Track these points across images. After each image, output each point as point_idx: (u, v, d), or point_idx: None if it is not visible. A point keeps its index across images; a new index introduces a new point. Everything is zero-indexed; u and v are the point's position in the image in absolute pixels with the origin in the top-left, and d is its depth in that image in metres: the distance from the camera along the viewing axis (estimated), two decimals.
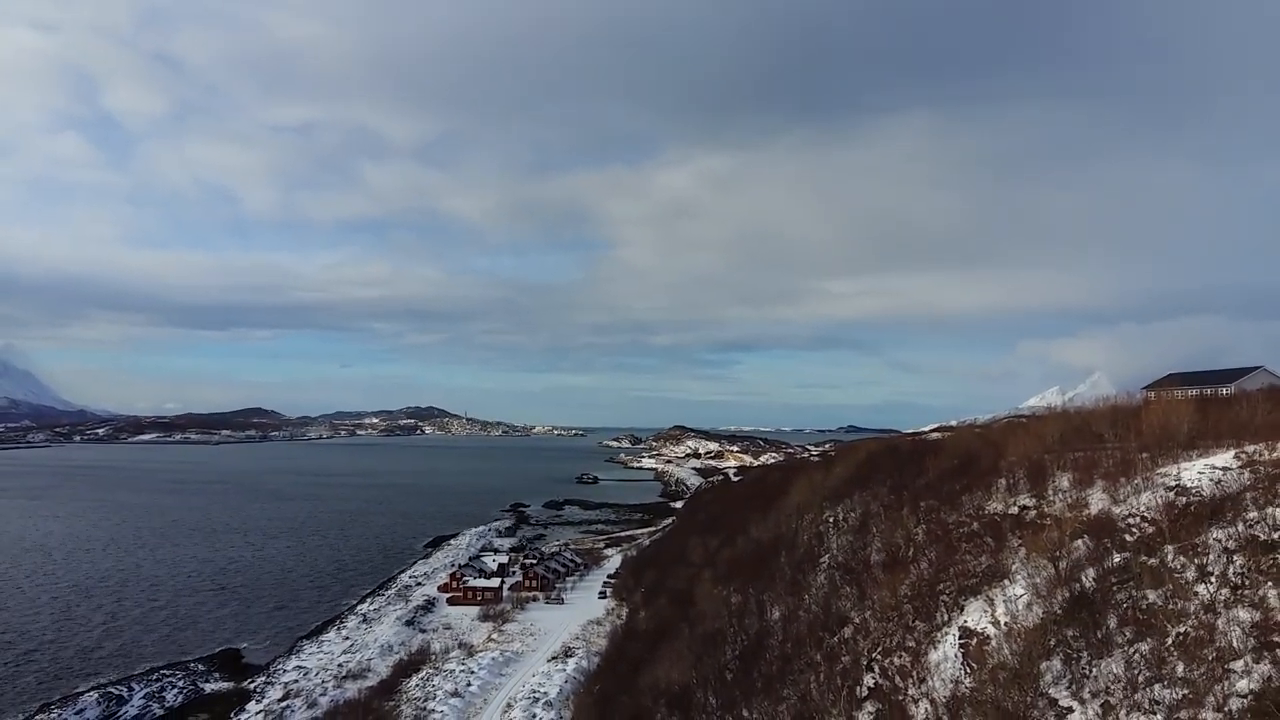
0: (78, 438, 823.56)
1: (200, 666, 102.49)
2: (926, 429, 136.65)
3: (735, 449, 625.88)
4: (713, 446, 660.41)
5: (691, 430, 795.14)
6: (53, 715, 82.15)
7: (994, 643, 28.86)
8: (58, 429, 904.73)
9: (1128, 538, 29.36)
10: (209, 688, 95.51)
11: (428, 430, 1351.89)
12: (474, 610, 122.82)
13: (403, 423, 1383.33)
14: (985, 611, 31.53)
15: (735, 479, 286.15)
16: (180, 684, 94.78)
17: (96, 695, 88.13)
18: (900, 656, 34.69)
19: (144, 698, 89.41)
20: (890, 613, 39.50)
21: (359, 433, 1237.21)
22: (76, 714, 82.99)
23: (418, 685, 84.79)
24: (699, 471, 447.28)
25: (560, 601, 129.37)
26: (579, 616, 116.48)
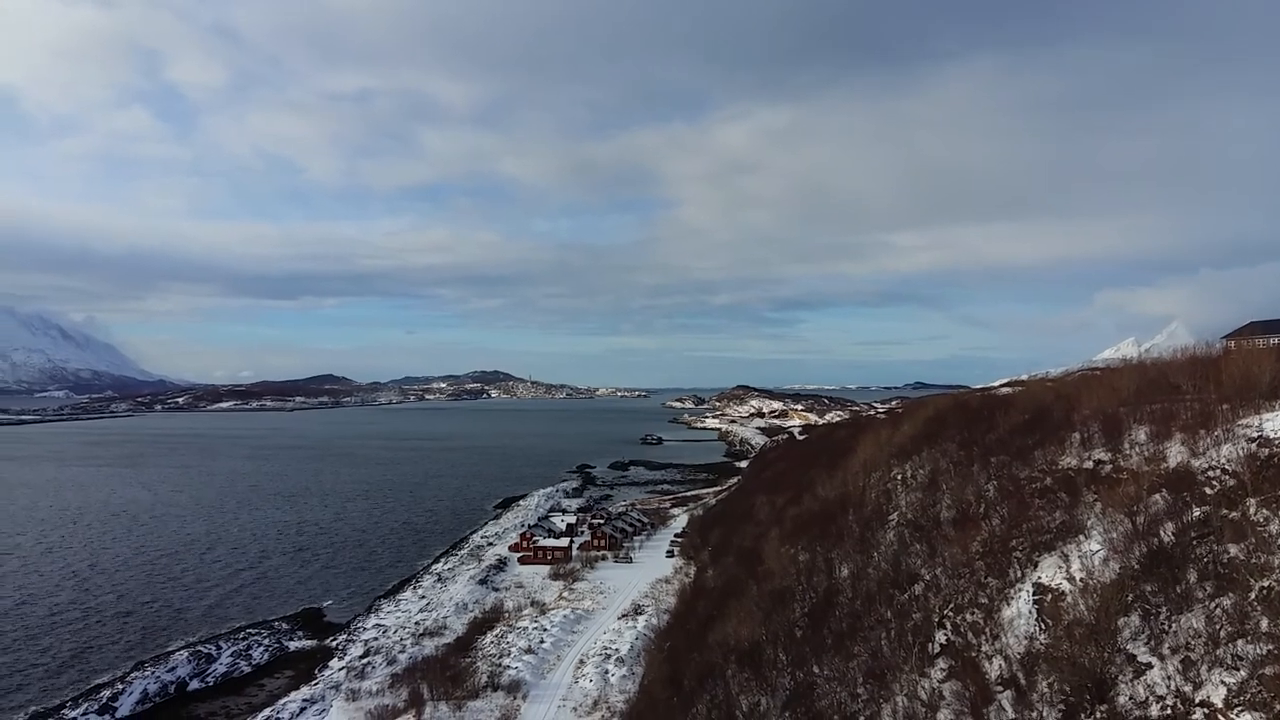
0: (159, 407, 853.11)
1: (284, 625, 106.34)
2: (996, 384, 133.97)
3: (799, 408, 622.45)
4: (776, 405, 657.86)
5: (755, 390, 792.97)
6: (147, 673, 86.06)
7: (1069, 599, 28.58)
8: (139, 399, 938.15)
9: (1208, 491, 28.66)
10: (293, 645, 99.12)
11: (493, 394, 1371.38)
12: (544, 569, 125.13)
13: (469, 387, 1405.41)
14: (1060, 567, 31.19)
15: (800, 438, 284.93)
16: (266, 642, 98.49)
17: (187, 653, 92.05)
18: (973, 613, 34.55)
19: (231, 655, 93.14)
20: (962, 569, 39.29)
21: (427, 397, 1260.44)
22: (169, 671, 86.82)
23: (492, 642, 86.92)
24: (763, 431, 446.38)
25: (628, 560, 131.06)
26: (647, 575, 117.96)
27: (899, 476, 70.03)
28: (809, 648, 48.21)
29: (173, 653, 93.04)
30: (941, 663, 33.76)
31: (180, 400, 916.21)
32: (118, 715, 78.08)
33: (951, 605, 36.74)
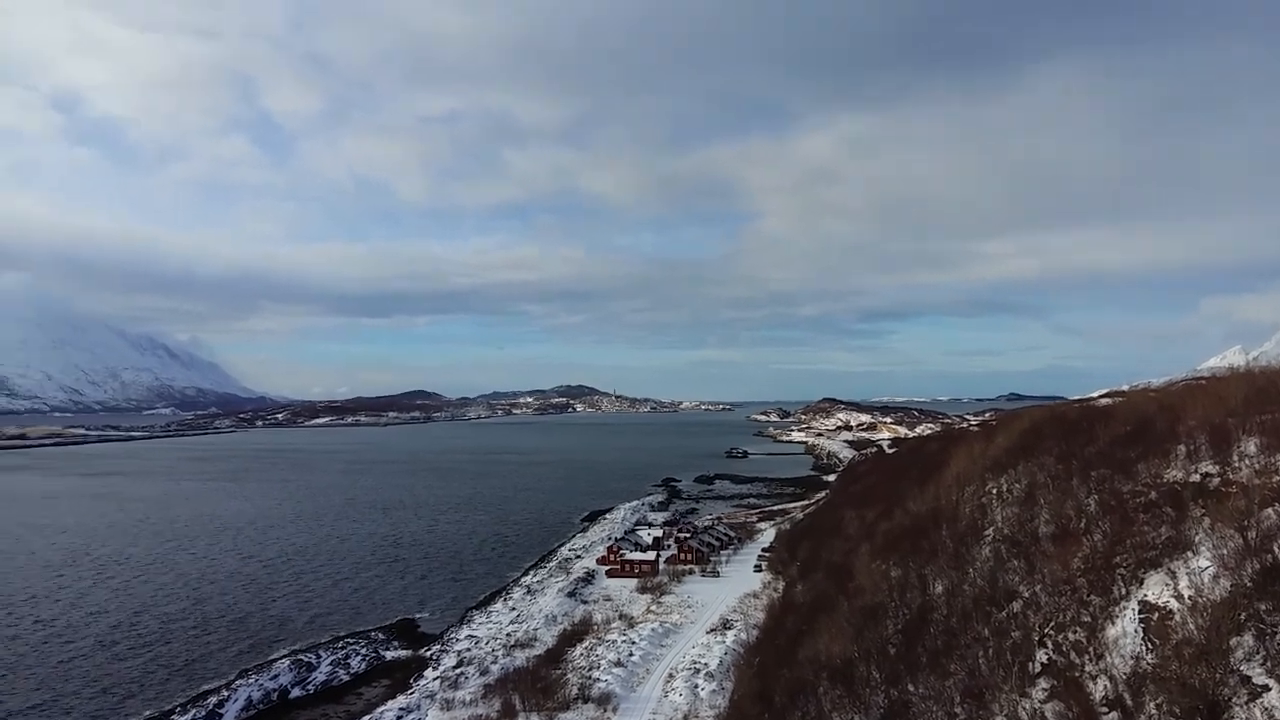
0: (259, 423, 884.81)
1: (380, 635, 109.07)
2: (1095, 394, 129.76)
3: (888, 420, 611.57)
4: (864, 418, 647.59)
5: (841, 402, 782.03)
6: (251, 681, 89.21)
7: (1178, 617, 27.66)
8: (241, 415, 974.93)
9: None
10: (389, 655, 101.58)
11: (579, 408, 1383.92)
12: (632, 582, 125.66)
13: (555, 401, 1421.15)
14: (1167, 585, 30.20)
15: (890, 451, 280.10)
16: (363, 651, 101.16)
17: (289, 661, 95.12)
18: (1075, 632, 33.65)
19: (331, 664, 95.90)
20: (1062, 586, 38.27)
21: (514, 412, 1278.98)
22: (272, 679, 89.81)
23: (582, 654, 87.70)
24: (851, 444, 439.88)
25: (716, 575, 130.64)
26: (735, 589, 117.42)
27: (994, 490, 68.43)
28: (903, 665, 47.46)
29: (276, 661, 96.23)
30: (1043, 682, 32.94)
31: (279, 416, 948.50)
32: None
33: (1052, 623, 35.82)
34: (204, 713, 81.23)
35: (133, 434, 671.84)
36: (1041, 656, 34.27)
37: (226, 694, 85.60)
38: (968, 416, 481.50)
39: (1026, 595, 41.65)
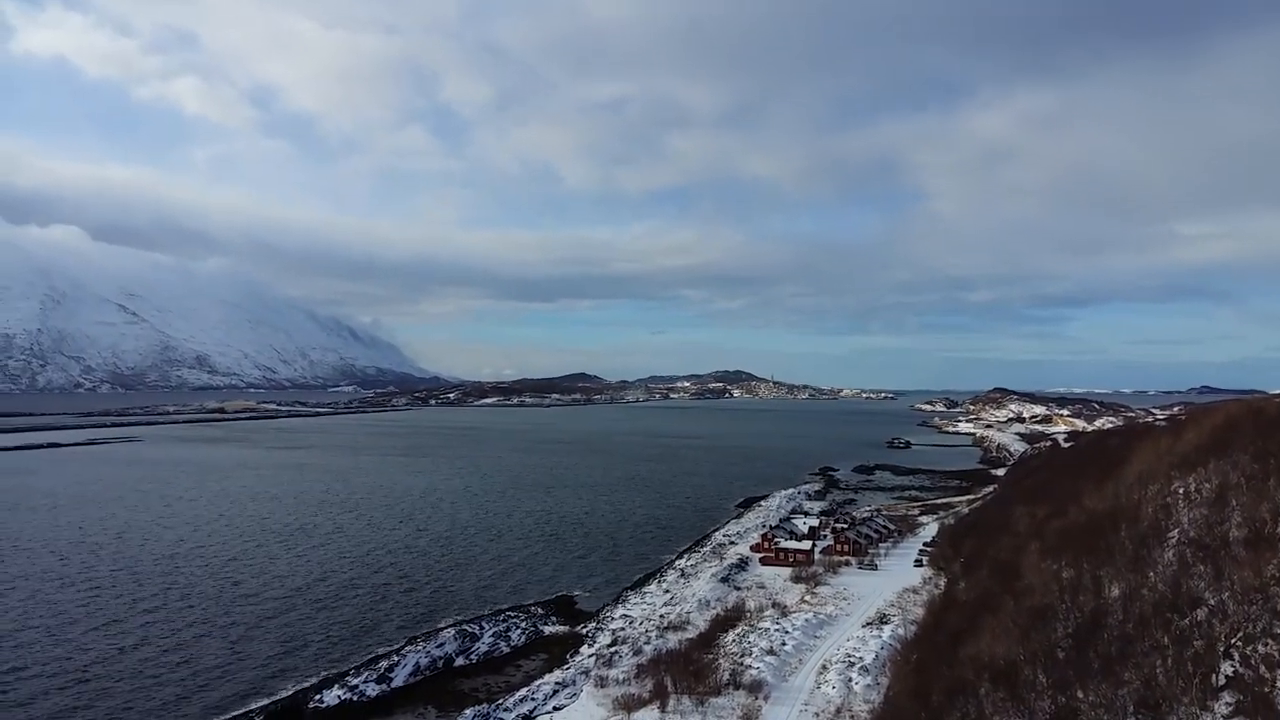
0: (433, 401, 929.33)
1: (539, 610, 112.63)
2: None
3: (1065, 412, 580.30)
4: (1038, 410, 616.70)
5: (1014, 393, 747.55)
6: (419, 648, 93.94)
7: None
8: (416, 393, 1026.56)
9: None
10: (547, 629, 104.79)
11: (735, 394, 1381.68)
12: (786, 571, 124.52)
13: (712, 386, 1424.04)
14: None
15: (1065, 445, 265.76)
16: (523, 625, 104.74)
17: (454, 631, 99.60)
18: (1266, 644, 30.91)
19: (493, 635, 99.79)
20: (1254, 595, 35.22)
21: (672, 396, 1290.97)
22: (438, 647, 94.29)
23: (734, 641, 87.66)
24: (1023, 437, 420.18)
25: (873, 567, 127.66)
26: (893, 583, 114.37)
27: (1180, 490, 63.68)
28: (1072, 671, 44.99)
29: (442, 630, 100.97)
30: (1228, 696, 30.44)
31: (451, 396, 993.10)
32: (393, 684, 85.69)
33: (1241, 634, 33.02)
34: (376, 675, 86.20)
35: (319, 410, 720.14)
36: (1227, 668, 31.67)
37: (396, 659, 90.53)
38: (1153, 410, 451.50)
39: (1213, 603, 38.58)
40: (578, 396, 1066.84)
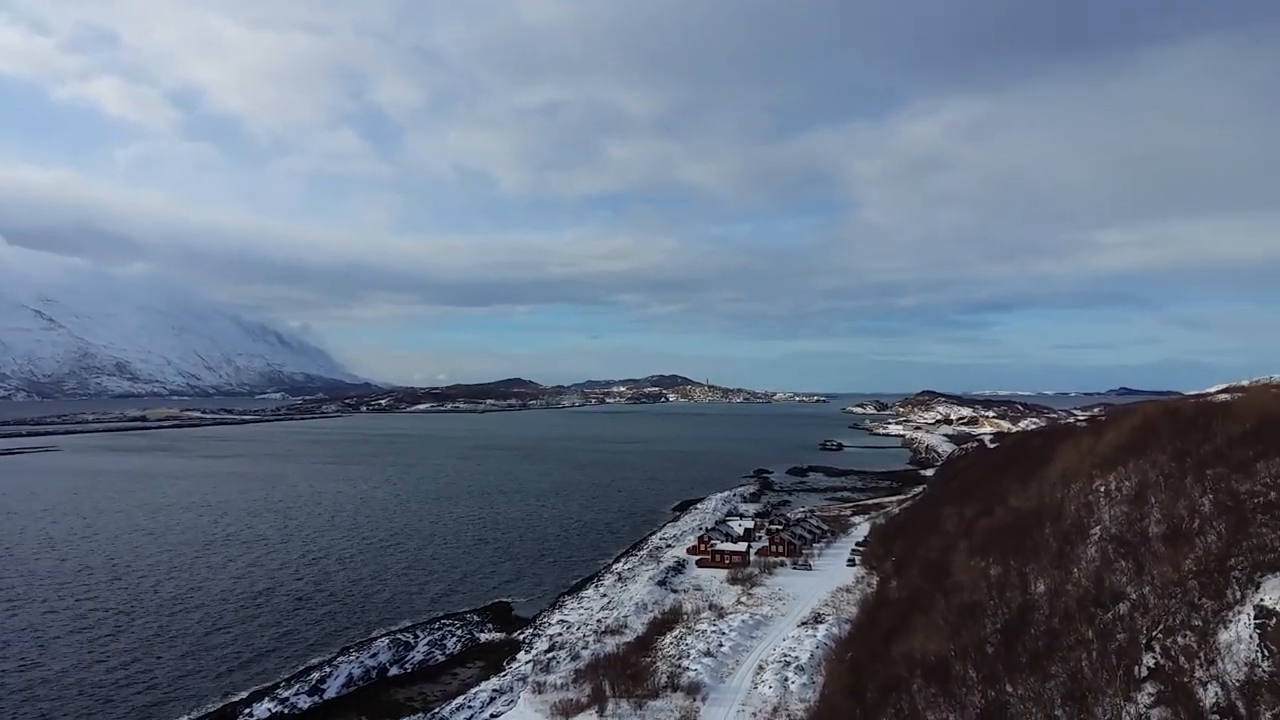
0: (364, 408, 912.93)
1: (475, 617, 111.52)
2: (1212, 390, 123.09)
3: (991, 414, 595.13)
4: (965, 412, 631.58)
5: (941, 395, 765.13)
6: (352, 658, 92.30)
7: None
8: (347, 400, 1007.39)
9: None
10: (483, 637, 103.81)
11: (671, 398, 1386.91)
12: (722, 573, 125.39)
13: (648, 390, 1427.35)
14: None
15: (991, 446, 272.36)
16: (458, 632, 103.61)
17: (388, 640, 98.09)
18: (1185, 636, 32.12)
19: (428, 644, 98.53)
20: (1173, 589, 36.58)
21: (607, 401, 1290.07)
22: (371, 657, 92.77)
23: (672, 643, 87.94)
24: (951, 438, 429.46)
25: (808, 568, 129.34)
26: (827, 583, 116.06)
27: (1101, 489, 65.79)
28: (1001, 665, 46.12)
29: (375, 639, 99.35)
30: (1149, 687, 31.56)
31: (383, 402, 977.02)
32: (325, 696, 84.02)
33: (1161, 626, 34.27)
34: (308, 687, 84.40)
35: (245, 417, 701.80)
36: (1149, 660, 32.84)
37: (329, 670, 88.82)
38: (1075, 411, 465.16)
39: (1134, 597, 39.97)
40: (513, 402, 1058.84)
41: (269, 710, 79.41)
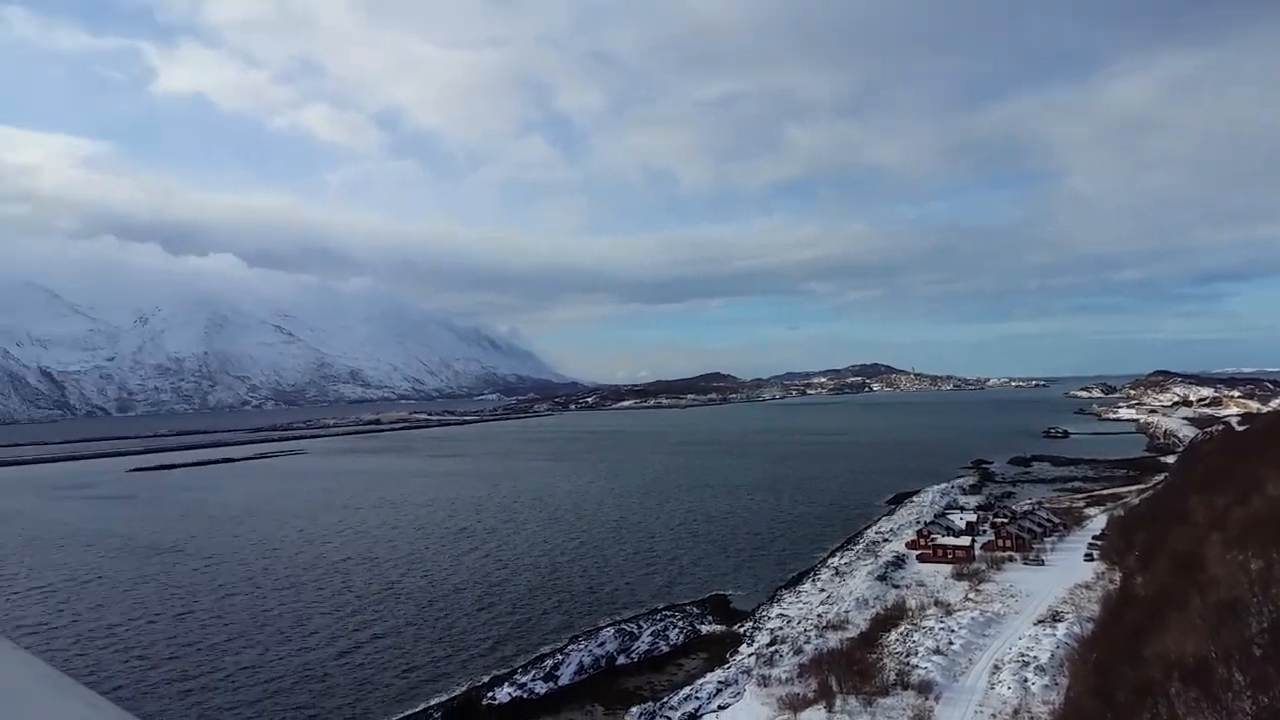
0: (572, 406, 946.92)
1: (695, 609, 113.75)
2: None
3: (1236, 394, 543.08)
4: (1206, 393, 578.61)
5: (1176, 375, 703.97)
6: (581, 646, 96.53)
7: None
8: (556, 399, 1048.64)
9: None
10: (704, 629, 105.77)
11: (875, 387, 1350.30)
12: (945, 568, 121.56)
13: (850, 380, 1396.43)
14: None
15: (1241, 428, 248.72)
16: (680, 624, 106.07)
17: (613, 631, 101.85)
18: None
19: (651, 635, 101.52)
20: None
21: (809, 392, 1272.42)
22: (600, 646, 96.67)
23: (898, 640, 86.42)
24: (1192, 421, 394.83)
25: (1039, 563, 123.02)
26: (1062, 579, 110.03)
27: None
28: (1272, 668, 42.67)
29: (602, 629, 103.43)
30: None
31: (589, 400, 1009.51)
32: (560, 683, 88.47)
33: None
34: (543, 673, 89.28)
35: (465, 418, 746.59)
36: None
37: (560, 658, 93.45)
38: None
39: None
40: (713, 396, 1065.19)
41: (509, 694, 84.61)
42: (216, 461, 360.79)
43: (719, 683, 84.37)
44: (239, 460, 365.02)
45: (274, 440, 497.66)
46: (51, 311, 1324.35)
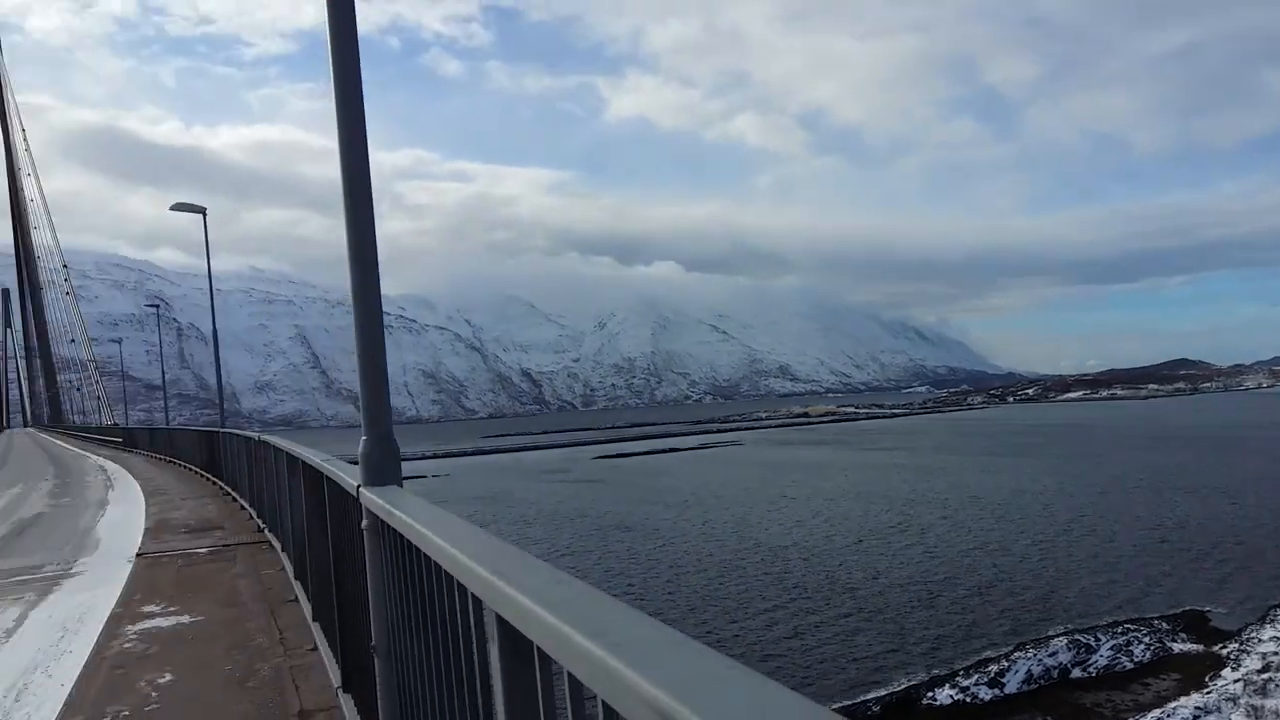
0: (1010, 398, 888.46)
1: (1163, 624, 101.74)
2: None
3: None
4: None
5: None
6: (1029, 654, 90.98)
7: None
8: (991, 391, 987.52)
9: None
10: (1176, 647, 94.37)
11: None
12: None
13: None
14: None
15: None
16: (1145, 639, 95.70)
17: (1065, 641, 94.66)
18: None
19: (1111, 649, 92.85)
20: None
21: None
22: (1050, 656, 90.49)
23: None
24: None
25: None
26: None
27: None
28: None
29: (1051, 639, 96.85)
30: None
31: (1030, 391, 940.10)
32: (1005, 690, 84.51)
33: None
34: (987, 679, 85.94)
35: (895, 411, 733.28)
36: None
37: (1006, 664, 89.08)
38: None
39: None
40: (1180, 386, 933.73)
41: (950, 696, 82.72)
42: (663, 451, 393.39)
43: (1196, 708, 74.96)
44: (684, 450, 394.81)
45: (713, 432, 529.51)
46: (530, 321, 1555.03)
